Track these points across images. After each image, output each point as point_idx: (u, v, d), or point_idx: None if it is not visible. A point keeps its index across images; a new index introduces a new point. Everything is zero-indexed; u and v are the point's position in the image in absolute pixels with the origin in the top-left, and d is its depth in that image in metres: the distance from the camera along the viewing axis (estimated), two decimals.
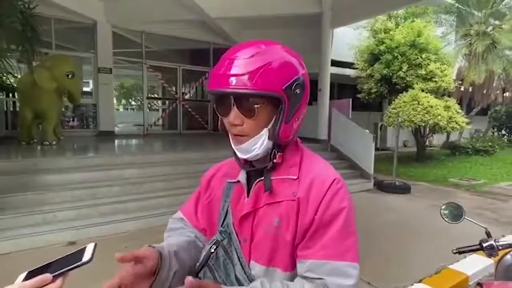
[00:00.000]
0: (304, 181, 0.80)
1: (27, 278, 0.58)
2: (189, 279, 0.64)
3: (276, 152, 0.81)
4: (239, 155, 0.82)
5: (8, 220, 3.72)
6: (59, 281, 0.58)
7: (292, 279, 0.78)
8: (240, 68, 0.73)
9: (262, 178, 0.82)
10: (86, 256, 0.60)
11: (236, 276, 0.80)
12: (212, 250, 0.83)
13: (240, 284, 0.79)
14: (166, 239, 0.92)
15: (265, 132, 0.79)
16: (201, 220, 0.95)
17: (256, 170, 0.84)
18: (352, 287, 0.72)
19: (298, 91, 0.78)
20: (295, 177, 0.81)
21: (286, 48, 0.81)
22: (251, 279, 0.78)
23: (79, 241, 3.71)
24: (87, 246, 0.62)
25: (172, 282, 0.76)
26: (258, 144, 0.79)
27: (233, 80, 0.73)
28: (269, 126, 0.79)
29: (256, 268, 0.79)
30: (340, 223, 0.76)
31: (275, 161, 0.81)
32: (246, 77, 0.72)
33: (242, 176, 0.87)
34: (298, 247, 0.77)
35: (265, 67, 0.73)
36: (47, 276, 0.57)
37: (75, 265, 0.59)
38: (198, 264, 0.86)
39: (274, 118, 0.79)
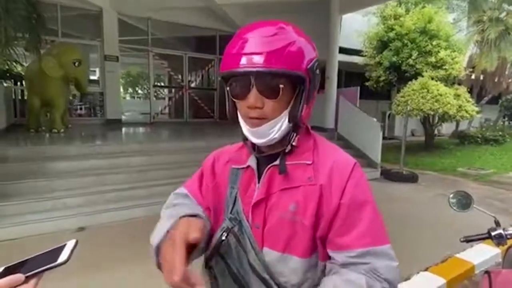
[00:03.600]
0: (323, 166, 0.78)
1: (2, 274, 0.54)
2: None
3: (294, 135, 0.79)
4: (253, 139, 0.79)
5: (17, 206, 3.79)
6: (32, 283, 0.54)
7: (308, 265, 0.77)
8: (263, 46, 0.70)
9: (275, 163, 0.80)
10: (63, 257, 0.55)
11: (250, 263, 0.79)
12: (223, 238, 0.80)
13: (254, 270, 0.78)
14: (171, 209, 0.88)
15: (284, 115, 0.76)
16: (206, 200, 0.92)
17: (268, 155, 0.81)
18: (397, 267, 0.74)
19: (318, 71, 0.77)
20: (309, 162, 0.79)
21: (301, 29, 0.78)
22: (265, 266, 0.77)
23: (88, 227, 3.78)
24: (67, 243, 0.58)
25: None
26: (277, 127, 0.76)
27: (254, 59, 0.69)
28: (289, 108, 0.76)
29: (271, 255, 0.78)
30: (371, 208, 0.76)
31: (294, 144, 0.79)
32: (269, 55, 0.69)
33: (252, 162, 0.84)
34: (330, 235, 0.75)
35: (290, 46, 0.71)
36: (19, 276, 0.53)
37: (48, 266, 0.55)
38: (208, 251, 0.83)
39: (293, 100, 0.76)
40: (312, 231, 0.76)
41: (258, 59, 0.69)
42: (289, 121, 0.76)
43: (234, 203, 0.85)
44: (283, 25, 0.74)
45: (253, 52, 0.70)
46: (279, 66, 0.69)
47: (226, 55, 0.74)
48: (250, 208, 0.81)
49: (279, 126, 0.76)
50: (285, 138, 0.79)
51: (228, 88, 0.78)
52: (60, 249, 0.57)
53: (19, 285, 0.53)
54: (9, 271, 0.54)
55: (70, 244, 0.58)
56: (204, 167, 0.96)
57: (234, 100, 0.79)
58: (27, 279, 0.54)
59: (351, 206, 0.74)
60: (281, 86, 0.72)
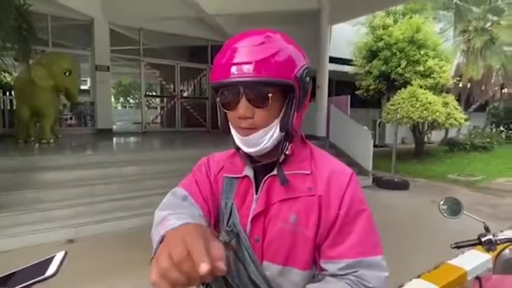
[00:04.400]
0: (321, 176, 0.77)
1: None
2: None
3: (287, 143, 0.77)
4: (245, 149, 0.77)
5: (6, 218, 3.70)
6: None
7: (308, 277, 0.76)
8: (249, 56, 0.69)
9: (273, 173, 0.78)
10: (51, 269, 0.54)
11: (250, 277, 0.77)
12: None
13: (255, 285, 0.76)
14: (166, 215, 0.70)
15: (276, 123, 0.74)
16: (206, 202, 0.84)
17: (264, 165, 0.79)
18: (386, 279, 0.73)
19: (308, 79, 0.76)
20: (308, 172, 0.78)
21: (289, 37, 0.78)
22: (266, 280, 0.75)
23: (77, 239, 3.70)
24: (56, 255, 0.57)
25: None
26: (268, 136, 0.74)
27: (242, 69, 0.69)
28: (280, 116, 0.75)
29: (271, 268, 0.76)
30: (366, 218, 0.75)
31: (287, 153, 0.78)
32: (256, 65, 0.68)
33: (249, 171, 0.82)
34: (324, 245, 0.75)
35: (278, 54, 0.70)
36: None
37: (37, 279, 0.53)
38: None
39: (284, 108, 0.75)
40: (314, 243, 0.75)
41: (246, 69, 0.69)
42: (280, 129, 0.75)
43: (230, 215, 0.81)
44: (270, 34, 0.73)
45: (240, 62, 0.69)
46: (267, 75, 0.69)
47: (215, 66, 0.74)
48: (248, 220, 0.79)
49: (271, 134, 0.74)
50: (277, 147, 0.77)
51: (218, 99, 0.76)
52: (48, 261, 0.55)
53: None
54: None
55: (59, 255, 0.56)
56: (196, 174, 0.90)
57: (224, 110, 0.77)
58: None
59: (346, 217, 0.74)
60: (270, 95, 0.71)
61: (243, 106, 0.72)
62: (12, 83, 7.84)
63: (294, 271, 0.75)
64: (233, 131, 0.79)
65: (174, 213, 0.71)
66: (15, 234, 3.53)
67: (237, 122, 0.75)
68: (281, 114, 0.75)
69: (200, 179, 0.89)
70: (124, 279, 2.76)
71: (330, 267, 0.74)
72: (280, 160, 0.78)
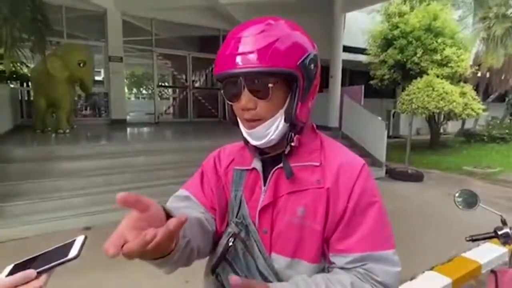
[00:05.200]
0: (330, 168, 0.75)
1: (13, 271, 0.54)
2: (234, 277, 0.60)
3: (293, 135, 0.75)
4: (252, 141, 0.76)
5: (25, 206, 3.83)
6: (43, 278, 0.54)
7: (317, 270, 0.75)
8: (249, 45, 0.67)
9: (280, 165, 0.77)
10: (73, 252, 0.55)
11: (258, 269, 0.76)
12: (230, 244, 0.77)
13: (263, 277, 0.75)
14: None
15: (280, 114, 0.73)
16: (210, 199, 0.86)
17: (273, 156, 0.78)
18: (398, 273, 0.71)
19: (312, 67, 0.72)
20: (317, 164, 0.76)
21: (294, 23, 0.75)
22: (274, 272, 0.75)
23: (93, 226, 3.81)
24: (76, 239, 0.58)
25: (185, 251, 0.67)
26: (273, 128, 0.73)
27: (241, 59, 0.67)
28: (284, 107, 0.73)
29: (279, 260, 0.75)
30: (376, 211, 0.73)
31: (292, 144, 0.75)
32: (256, 54, 0.66)
33: (257, 164, 0.80)
34: (332, 238, 0.73)
35: (277, 42, 0.67)
36: (31, 272, 0.53)
37: (60, 261, 0.54)
38: (215, 258, 0.80)
39: (289, 98, 0.73)
40: (323, 236, 0.74)
41: (245, 59, 0.67)
42: (285, 120, 0.73)
43: (239, 207, 0.81)
44: (271, 21, 0.71)
45: (240, 53, 0.68)
46: (266, 65, 0.66)
47: (217, 57, 0.73)
48: (256, 212, 0.78)
49: (276, 126, 0.73)
50: (284, 139, 0.76)
51: (222, 91, 0.75)
52: (69, 245, 0.57)
53: (31, 280, 0.53)
54: (19, 268, 0.54)
55: (79, 239, 0.58)
56: (204, 168, 0.91)
57: (229, 102, 0.76)
58: (39, 274, 0.54)
59: (356, 210, 0.72)
60: (270, 85, 0.69)
61: (245, 98, 0.71)
62: (29, 74, 8.01)
63: (303, 264, 0.74)
64: (240, 123, 0.78)
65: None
66: (34, 222, 3.65)
67: (241, 114, 0.74)
68: (286, 104, 0.73)
69: (207, 174, 0.89)
70: (139, 266, 2.83)
71: (338, 260, 0.73)
72: (286, 152, 0.77)
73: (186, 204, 0.84)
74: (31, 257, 0.57)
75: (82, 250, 0.56)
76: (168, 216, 0.59)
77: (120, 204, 0.54)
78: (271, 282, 0.73)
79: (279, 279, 0.74)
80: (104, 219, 3.92)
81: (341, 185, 0.74)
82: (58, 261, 0.55)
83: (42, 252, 0.57)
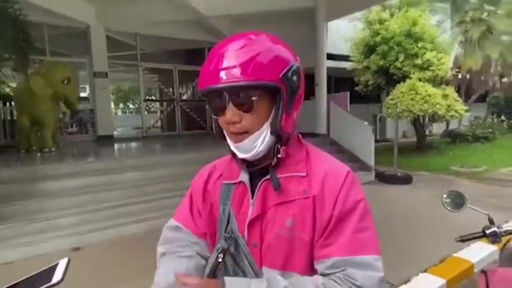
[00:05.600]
0: (316, 177, 0.76)
1: None
2: (177, 272, 0.65)
3: (279, 146, 0.76)
4: (240, 155, 0.77)
5: (10, 229, 3.71)
6: None
7: None
8: (231, 60, 0.69)
9: (267, 177, 0.77)
10: (57, 276, 0.54)
11: None
12: (220, 260, 0.76)
13: None
14: (161, 257, 0.84)
15: (266, 127, 0.74)
16: (199, 225, 0.88)
17: (260, 168, 0.78)
18: (381, 279, 0.70)
19: (295, 78, 0.74)
20: (303, 174, 0.77)
21: (275, 36, 0.76)
22: None
23: (83, 247, 3.71)
24: (59, 262, 0.57)
25: None
26: (260, 141, 0.74)
27: (224, 74, 0.68)
28: (270, 119, 0.74)
29: (270, 274, 0.74)
30: (358, 216, 0.73)
31: (279, 156, 0.76)
32: (238, 69, 0.68)
33: (244, 176, 0.81)
34: (316, 246, 0.73)
35: (258, 56, 0.69)
36: None
37: (44, 286, 0.53)
38: (205, 275, 0.78)
39: (273, 110, 0.74)
40: (311, 246, 0.74)
41: (228, 74, 0.68)
42: (271, 133, 0.74)
43: (227, 221, 0.81)
44: (252, 36, 0.73)
45: (222, 68, 0.69)
46: (248, 79, 0.68)
47: (201, 73, 0.73)
48: (245, 225, 0.78)
49: (262, 139, 0.74)
50: (271, 151, 0.76)
51: (208, 106, 0.76)
52: (53, 269, 0.56)
53: None
54: None
55: (63, 262, 0.56)
56: (193, 188, 0.92)
57: (214, 116, 0.77)
58: None
59: (339, 216, 0.72)
60: (253, 98, 0.71)
61: (230, 112, 0.72)
62: (11, 94, 7.87)
63: (294, 276, 0.74)
64: (227, 136, 0.79)
65: (168, 252, 0.84)
66: (19, 245, 3.54)
67: (227, 127, 0.75)
68: (271, 116, 0.74)
69: (195, 196, 0.91)
70: (135, 287, 2.76)
71: (319, 266, 0.73)
72: (273, 164, 0.77)
73: (178, 235, 0.88)
74: (11, 284, 0.55)
75: (66, 273, 0.55)
76: None
77: None
78: None
79: None
80: (94, 238, 3.84)
81: (326, 193, 0.74)
82: (42, 287, 0.53)
83: (24, 278, 0.56)
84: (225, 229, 0.81)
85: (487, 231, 1.32)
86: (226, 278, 0.65)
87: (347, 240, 0.71)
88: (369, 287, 0.68)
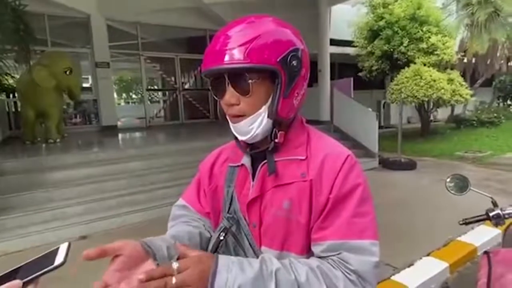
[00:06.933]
0: (315, 160, 0.76)
1: None
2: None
3: (277, 131, 0.76)
4: (239, 137, 0.79)
5: (18, 219, 3.78)
6: None
7: None
8: (230, 43, 0.69)
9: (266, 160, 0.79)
10: (59, 259, 0.54)
11: None
12: (221, 238, 0.79)
13: None
14: (170, 229, 0.88)
15: (263, 110, 0.74)
16: (204, 205, 0.92)
17: (260, 152, 0.80)
18: (375, 264, 0.70)
19: (295, 63, 0.73)
20: (303, 158, 0.77)
21: (280, 20, 0.76)
22: None
23: (90, 235, 3.78)
24: (60, 246, 0.57)
25: None
26: (256, 123, 0.74)
27: (222, 56, 0.69)
28: (268, 103, 0.74)
29: (269, 253, 0.75)
30: (356, 200, 0.72)
31: (276, 141, 0.77)
32: (236, 51, 0.68)
33: (246, 159, 0.83)
34: (312, 229, 0.74)
35: (256, 39, 0.69)
36: (17, 283, 0.52)
37: (46, 269, 0.54)
38: (207, 252, 0.82)
39: (272, 94, 0.74)
40: (308, 228, 0.75)
41: (225, 56, 0.69)
42: (268, 116, 0.74)
43: (230, 202, 0.83)
44: (254, 19, 0.73)
45: (221, 50, 0.70)
46: (244, 61, 0.68)
47: (204, 56, 0.74)
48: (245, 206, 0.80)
49: (259, 122, 0.75)
50: (269, 135, 0.77)
51: (210, 88, 0.78)
52: (54, 253, 0.56)
53: None
54: (2, 280, 0.53)
55: (63, 246, 0.57)
56: (201, 171, 0.95)
57: (216, 98, 0.79)
58: (25, 285, 0.53)
59: (336, 200, 0.72)
60: (250, 81, 0.71)
61: (228, 94, 0.73)
62: (15, 85, 7.89)
63: (292, 256, 0.75)
64: (228, 119, 0.80)
65: (177, 224, 0.88)
66: (27, 234, 3.61)
67: (226, 109, 0.77)
68: (269, 101, 0.74)
69: (202, 178, 0.94)
70: None
71: (315, 249, 0.73)
72: (270, 148, 0.78)
73: (184, 213, 0.93)
74: (14, 268, 0.56)
75: (67, 256, 0.55)
76: (148, 248, 0.66)
77: (87, 259, 0.59)
78: None
79: None
80: (100, 227, 3.90)
81: (324, 176, 0.74)
82: (45, 269, 0.54)
83: (26, 262, 0.56)
84: (228, 210, 0.83)
85: (491, 214, 1.32)
86: (220, 255, 0.66)
87: (344, 223, 0.71)
88: (363, 271, 0.68)
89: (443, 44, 9.49)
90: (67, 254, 0.56)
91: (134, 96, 30.78)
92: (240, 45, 0.68)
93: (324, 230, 0.72)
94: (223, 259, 0.64)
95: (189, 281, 0.58)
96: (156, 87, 16.62)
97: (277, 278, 0.63)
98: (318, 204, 0.73)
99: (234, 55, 0.68)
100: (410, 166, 6.66)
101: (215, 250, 0.80)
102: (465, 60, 11.92)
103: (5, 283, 0.52)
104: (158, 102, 12.97)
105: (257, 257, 0.74)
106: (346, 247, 0.70)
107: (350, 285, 0.67)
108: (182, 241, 0.77)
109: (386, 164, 6.84)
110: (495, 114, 11.29)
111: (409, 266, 2.88)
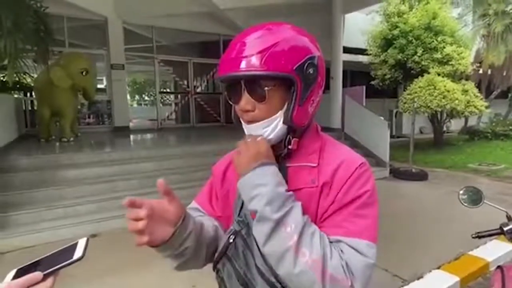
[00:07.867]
0: (329, 167, 0.76)
1: (16, 275, 0.55)
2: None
3: (291, 137, 0.77)
4: None
5: (31, 215, 3.86)
6: (50, 280, 0.54)
7: None
8: (247, 50, 0.70)
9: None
10: (78, 253, 0.56)
11: (256, 266, 0.77)
12: (231, 241, 0.80)
13: (261, 273, 0.76)
14: None
15: (279, 115, 0.75)
16: (215, 208, 0.93)
17: (275, 157, 0.79)
18: (367, 264, 0.68)
19: (311, 71, 0.74)
20: (314, 165, 0.78)
21: (297, 28, 0.77)
22: (272, 270, 0.74)
23: (101, 234, 3.82)
24: (79, 241, 0.59)
25: (185, 242, 0.74)
26: (271, 128, 0.75)
27: (240, 62, 0.70)
28: (284, 109, 0.75)
29: None
30: (359, 203, 0.72)
31: (290, 147, 0.77)
32: (253, 58, 0.69)
33: None
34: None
35: (274, 46, 0.69)
36: (37, 274, 0.53)
37: (66, 262, 0.55)
38: (216, 254, 0.83)
39: (288, 101, 0.74)
40: None
41: (243, 63, 0.70)
42: (283, 122, 0.75)
43: (241, 206, 0.83)
44: (271, 26, 0.74)
45: (238, 57, 0.71)
46: (261, 69, 0.69)
47: (220, 61, 0.76)
48: None
49: (273, 126, 0.75)
50: (283, 141, 0.78)
51: (226, 93, 0.79)
52: (73, 247, 0.58)
53: (38, 283, 0.53)
54: (23, 272, 0.55)
55: (82, 241, 0.59)
56: (214, 174, 0.96)
57: (231, 103, 0.80)
58: (45, 277, 0.54)
59: (340, 202, 0.73)
60: (266, 88, 0.72)
61: (244, 100, 0.74)
62: (32, 84, 8.09)
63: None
64: (243, 124, 0.81)
65: None
66: (40, 230, 3.68)
67: (241, 115, 0.78)
68: (285, 106, 0.75)
69: (215, 181, 0.95)
70: (149, 271, 2.84)
71: None
72: (283, 154, 0.79)
73: (197, 214, 0.92)
74: (34, 261, 0.57)
75: (86, 251, 0.57)
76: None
77: (127, 206, 0.69)
78: (268, 278, 0.74)
79: (276, 276, 0.74)
80: (110, 226, 3.94)
81: (335, 182, 0.75)
82: (65, 263, 0.55)
83: (45, 255, 0.58)
84: (239, 213, 0.84)
85: (505, 228, 1.29)
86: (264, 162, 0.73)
87: (342, 222, 0.71)
88: (352, 265, 0.67)
89: (458, 54, 9.38)
90: (85, 249, 0.57)
91: (146, 98, 31.19)
92: (258, 52, 0.69)
93: (324, 227, 0.72)
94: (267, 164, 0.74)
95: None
96: (168, 90, 16.83)
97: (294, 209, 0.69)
98: (323, 206, 0.74)
99: (251, 62, 0.69)
100: (421, 176, 6.56)
101: (225, 252, 0.81)
102: (481, 71, 11.73)
103: (26, 274, 0.54)
104: (170, 104, 13.10)
105: (264, 260, 0.75)
106: (342, 243, 0.70)
107: (340, 269, 0.66)
108: (207, 228, 0.83)
109: (397, 174, 6.75)
110: (511, 127, 11.06)
111: (418, 279, 2.83)
